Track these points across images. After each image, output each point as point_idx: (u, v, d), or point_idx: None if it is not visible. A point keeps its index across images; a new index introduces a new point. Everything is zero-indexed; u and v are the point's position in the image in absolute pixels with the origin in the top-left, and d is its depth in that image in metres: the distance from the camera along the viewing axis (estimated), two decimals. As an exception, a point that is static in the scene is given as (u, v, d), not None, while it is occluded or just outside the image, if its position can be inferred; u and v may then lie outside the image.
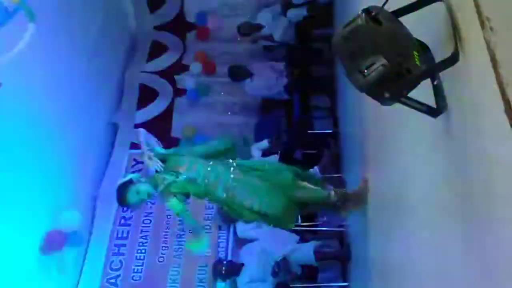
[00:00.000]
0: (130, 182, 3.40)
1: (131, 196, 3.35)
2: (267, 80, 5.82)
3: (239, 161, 3.48)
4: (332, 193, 3.42)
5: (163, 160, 3.43)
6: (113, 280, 5.08)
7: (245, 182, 3.30)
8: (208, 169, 3.34)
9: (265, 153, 5.24)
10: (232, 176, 3.32)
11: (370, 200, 3.43)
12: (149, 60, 6.69)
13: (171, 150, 3.61)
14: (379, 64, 1.62)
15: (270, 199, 3.28)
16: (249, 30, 6.16)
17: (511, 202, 1.33)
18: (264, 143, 5.23)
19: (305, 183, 3.43)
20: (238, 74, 5.90)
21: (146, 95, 6.39)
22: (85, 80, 5.30)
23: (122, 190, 3.37)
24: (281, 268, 4.58)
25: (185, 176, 3.29)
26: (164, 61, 6.67)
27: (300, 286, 4.76)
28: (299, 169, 3.61)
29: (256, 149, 5.24)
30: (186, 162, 3.38)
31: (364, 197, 3.40)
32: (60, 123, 4.74)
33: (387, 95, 1.65)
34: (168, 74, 6.53)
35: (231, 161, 3.45)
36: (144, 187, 3.36)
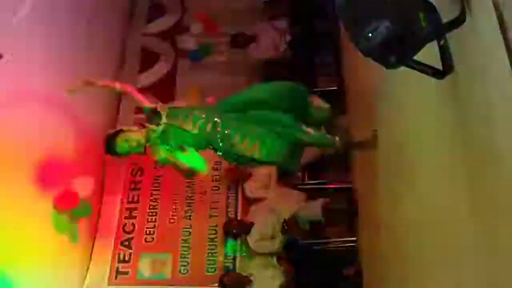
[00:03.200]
0: (121, 131, 3.32)
1: (120, 144, 3.26)
2: (271, 41, 5.73)
3: (231, 100, 3.35)
4: (337, 139, 3.37)
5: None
6: (126, 243, 5.21)
7: (245, 129, 3.20)
8: (203, 116, 3.23)
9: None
10: (227, 124, 3.21)
11: (377, 157, 3.45)
12: (148, 22, 6.58)
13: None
14: (383, 27, 1.59)
15: (270, 147, 3.19)
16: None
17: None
18: None
19: (310, 129, 3.31)
20: (241, 42, 5.82)
21: (148, 58, 6.34)
22: (85, 44, 5.23)
23: (111, 138, 3.27)
24: (290, 225, 4.67)
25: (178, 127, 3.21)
26: (164, 22, 6.56)
27: (309, 242, 4.86)
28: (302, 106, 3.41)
29: None
30: (181, 113, 3.27)
31: (372, 146, 3.35)
32: (61, 82, 4.71)
33: (392, 59, 1.63)
34: (169, 35, 6.45)
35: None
36: (134, 136, 3.26)
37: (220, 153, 3.35)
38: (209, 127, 3.21)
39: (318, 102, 3.51)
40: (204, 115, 3.24)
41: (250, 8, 6.44)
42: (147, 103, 3.44)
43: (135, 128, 3.37)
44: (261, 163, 3.33)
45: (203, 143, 3.28)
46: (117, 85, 3.46)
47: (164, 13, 6.64)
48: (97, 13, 5.52)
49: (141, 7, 6.68)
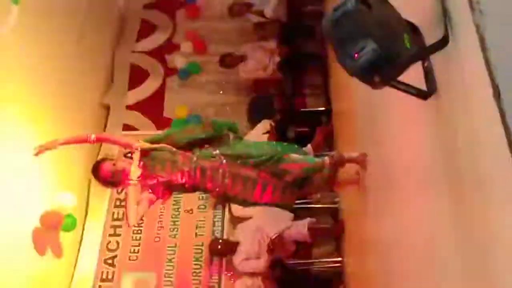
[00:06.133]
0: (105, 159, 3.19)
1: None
2: (260, 61, 5.79)
3: (223, 150, 3.17)
4: (327, 158, 3.30)
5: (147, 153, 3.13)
6: (110, 261, 5.14)
7: (236, 175, 3.10)
8: (190, 166, 3.08)
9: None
10: (221, 171, 3.09)
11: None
12: (138, 39, 6.62)
13: (157, 137, 3.31)
14: (369, 48, 1.63)
15: (263, 190, 3.12)
16: (239, 9, 6.11)
17: (497, 181, 1.36)
18: (265, 125, 5.17)
19: (296, 155, 3.26)
20: (230, 62, 5.88)
21: (137, 75, 6.35)
22: (74, 62, 5.24)
23: (98, 164, 3.14)
24: (276, 245, 4.65)
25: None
26: (154, 40, 6.60)
27: (295, 262, 4.83)
28: (292, 146, 3.45)
29: (257, 135, 5.14)
30: (166, 163, 3.07)
31: (363, 169, 3.31)
32: (50, 106, 4.71)
33: (377, 79, 1.66)
34: (159, 53, 6.48)
35: (216, 152, 3.15)
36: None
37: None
38: (197, 174, 3.09)
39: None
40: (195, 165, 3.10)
41: (239, 29, 6.52)
42: (127, 146, 3.22)
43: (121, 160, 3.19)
44: (254, 204, 3.30)
45: (189, 189, 3.20)
46: (90, 138, 3.19)
47: (154, 31, 6.68)
48: (87, 30, 5.54)
49: (132, 24, 6.72)
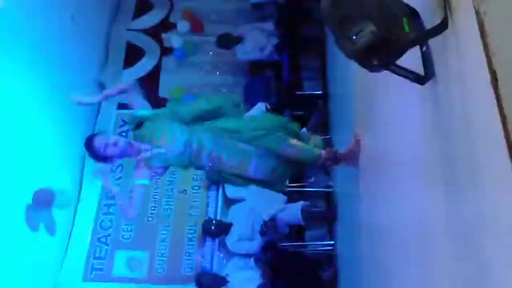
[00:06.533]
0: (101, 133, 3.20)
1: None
2: (257, 43, 5.75)
3: (219, 123, 3.14)
4: (323, 152, 3.32)
5: (139, 124, 3.13)
6: (103, 239, 5.16)
7: (230, 147, 3.09)
8: (187, 136, 3.07)
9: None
10: (215, 141, 3.08)
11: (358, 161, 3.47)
12: (135, 17, 6.54)
13: (152, 113, 3.25)
14: (368, 30, 1.60)
15: (259, 165, 3.17)
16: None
17: (490, 167, 1.36)
18: (261, 107, 5.16)
19: (296, 141, 3.25)
20: (227, 42, 5.82)
21: (133, 54, 6.29)
22: (70, 39, 5.18)
23: (91, 139, 3.10)
24: (269, 227, 4.68)
25: (164, 151, 3.04)
26: (151, 19, 6.52)
27: (287, 245, 4.87)
28: (289, 124, 3.39)
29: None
30: (164, 133, 3.06)
31: (357, 154, 3.31)
32: (47, 84, 4.66)
33: (375, 62, 1.64)
34: (155, 32, 6.41)
35: (208, 123, 3.14)
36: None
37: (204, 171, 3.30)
38: (194, 146, 3.08)
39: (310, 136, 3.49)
40: (188, 135, 3.09)
41: (237, 10, 6.45)
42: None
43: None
44: (247, 181, 3.28)
45: (187, 164, 3.18)
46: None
47: (151, 9, 6.60)
48: (82, 7, 5.46)
49: (128, 2, 6.64)
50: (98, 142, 3.00)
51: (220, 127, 3.11)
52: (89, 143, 3.03)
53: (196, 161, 3.14)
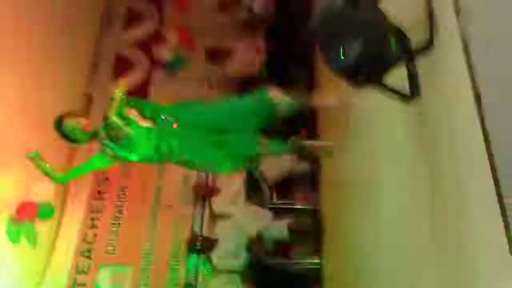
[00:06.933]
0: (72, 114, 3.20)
1: (66, 124, 3.11)
2: (247, 58, 5.76)
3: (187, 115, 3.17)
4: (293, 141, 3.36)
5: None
6: (86, 253, 5.07)
7: (195, 150, 3.12)
8: (156, 142, 3.08)
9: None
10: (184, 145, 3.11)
11: (343, 180, 3.46)
12: (125, 29, 6.53)
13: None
14: (355, 49, 1.61)
15: (227, 167, 3.19)
16: (229, 3, 6.08)
17: (476, 184, 1.36)
18: None
19: (267, 141, 3.27)
20: (217, 57, 5.83)
21: (122, 66, 6.26)
22: (58, 50, 5.15)
23: (62, 117, 3.13)
24: (255, 244, 4.64)
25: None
26: (141, 31, 6.52)
27: (273, 261, 4.82)
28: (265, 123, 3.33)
29: None
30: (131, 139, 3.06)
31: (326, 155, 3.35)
32: (33, 90, 4.62)
33: (361, 79, 1.64)
34: (145, 45, 6.40)
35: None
36: (82, 123, 3.11)
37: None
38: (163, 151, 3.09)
39: (279, 96, 3.40)
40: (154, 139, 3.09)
41: (228, 24, 6.47)
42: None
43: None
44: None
45: (155, 158, 3.18)
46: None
47: (142, 22, 6.60)
48: (71, 17, 5.44)
49: (118, 13, 6.63)
50: (68, 125, 3.03)
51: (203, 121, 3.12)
52: (58, 125, 3.03)
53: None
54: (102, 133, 3.09)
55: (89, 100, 5.84)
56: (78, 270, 4.97)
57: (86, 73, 6.09)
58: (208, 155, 3.13)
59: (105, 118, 3.08)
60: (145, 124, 3.10)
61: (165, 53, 6.27)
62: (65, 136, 3.08)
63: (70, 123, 3.07)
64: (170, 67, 6.25)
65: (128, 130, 3.02)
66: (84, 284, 4.90)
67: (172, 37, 6.36)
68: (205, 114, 3.20)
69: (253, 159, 3.23)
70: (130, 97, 3.18)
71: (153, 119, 3.13)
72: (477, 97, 1.28)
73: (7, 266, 4.27)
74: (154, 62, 6.31)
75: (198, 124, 3.14)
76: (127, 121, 3.04)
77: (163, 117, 3.10)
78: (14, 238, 4.38)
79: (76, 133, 3.10)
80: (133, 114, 3.09)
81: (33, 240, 4.58)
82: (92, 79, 6.13)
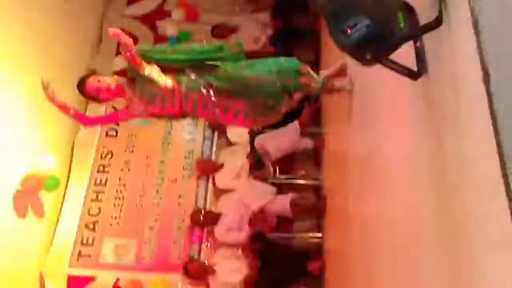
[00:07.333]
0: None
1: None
2: (252, 34, 5.72)
3: (211, 80, 3.11)
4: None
5: (132, 79, 3.10)
6: (91, 225, 5.14)
7: (226, 106, 3.12)
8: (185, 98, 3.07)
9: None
10: (210, 104, 3.09)
11: (346, 156, 3.48)
12: (129, 4, 6.47)
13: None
14: (362, 24, 1.61)
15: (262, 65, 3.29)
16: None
17: (482, 165, 1.37)
18: None
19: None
20: (221, 33, 5.78)
21: (126, 41, 6.21)
22: (62, 24, 5.12)
23: (84, 78, 3.09)
24: (257, 218, 4.69)
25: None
26: (145, 6, 6.46)
27: (275, 236, 4.88)
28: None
29: None
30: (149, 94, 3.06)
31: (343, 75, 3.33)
32: (37, 65, 4.62)
33: (368, 56, 1.65)
34: (149, 19, 6.35)
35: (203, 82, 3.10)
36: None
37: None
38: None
39: (308, 71, 3.39)
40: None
41: (233, 0, 6.40)
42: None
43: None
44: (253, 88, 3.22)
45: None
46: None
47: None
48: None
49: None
50: (90, 85, 2.99)
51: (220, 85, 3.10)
52: (81, 85, 3.02)
53: (192, 115, 3.22)
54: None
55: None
56: (83, 242, 5.05)
57: (90, 48, 6.07)
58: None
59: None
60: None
61: (169, 28, 6.23)
62: (89, 97, 3.07)
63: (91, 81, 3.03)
64: (174, 42, 6.21)
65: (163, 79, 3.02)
66: (89, 255, 4.99)
67: (177, 12, 6.32)
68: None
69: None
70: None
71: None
72: (486, 75, 1.28)
73: (14, 237, 4.34)
74: (159, 37, 6.28)
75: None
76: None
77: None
78: (20, 211, 4.44)
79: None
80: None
81: (40, 209, 4.64)
82: (96, 54, 6.11)
